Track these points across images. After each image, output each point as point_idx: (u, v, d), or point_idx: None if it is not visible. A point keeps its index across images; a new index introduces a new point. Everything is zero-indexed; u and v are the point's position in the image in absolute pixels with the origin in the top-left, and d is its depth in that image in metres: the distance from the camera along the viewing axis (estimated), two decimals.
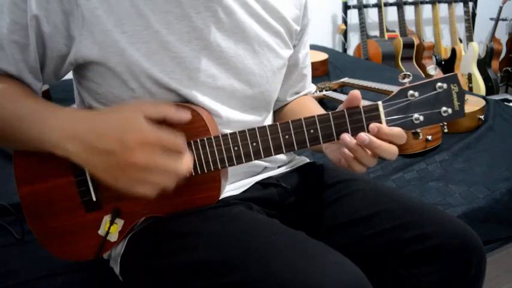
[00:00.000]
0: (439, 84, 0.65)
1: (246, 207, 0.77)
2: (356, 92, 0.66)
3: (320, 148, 0.79)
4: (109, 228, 0.71)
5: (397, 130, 0.66)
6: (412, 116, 0.66)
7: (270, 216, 0.76)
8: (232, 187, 0.83)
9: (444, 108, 0.65)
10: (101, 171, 0.63)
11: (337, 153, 0.74)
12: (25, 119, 0.66)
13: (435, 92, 0.65)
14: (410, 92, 0.65)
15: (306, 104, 0.97)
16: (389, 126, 0.66)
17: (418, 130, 0.68)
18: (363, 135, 0.65)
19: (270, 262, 0.63)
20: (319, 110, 0.92)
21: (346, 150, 0.67)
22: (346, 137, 0.66)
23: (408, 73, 0.67)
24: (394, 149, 0.66)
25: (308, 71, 0.98)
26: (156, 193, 0.63)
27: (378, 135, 0.65)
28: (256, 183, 0.85)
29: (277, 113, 0.99)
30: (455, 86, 0.65)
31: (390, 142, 0.66)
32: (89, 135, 0.62)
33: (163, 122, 0.69)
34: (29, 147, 0.68)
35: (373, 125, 0.65)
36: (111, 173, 0.62)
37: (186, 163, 0.64)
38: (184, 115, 0.66)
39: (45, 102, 0.69)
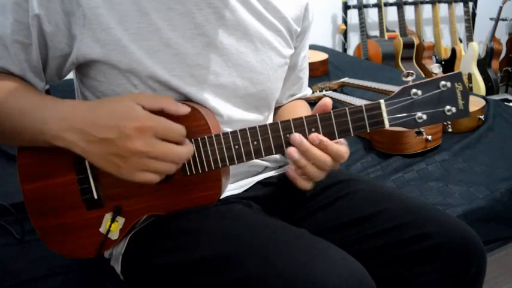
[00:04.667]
0: (442, 82, 0.64)
1: (246, 206, 0.77)
2: (327, 100, 0.66)
3: None
4: (110, 226, 0.71)
5: (337, 148, 0.65)
6: (415, 115, 0.65)
7: (271, 215, 0.76)
8: (234, 186, 0.83)
9: (448, 107, 0.64)
10: (101, 160, 0.63)
11: None
12: (26, 112, 0.66)
13: (439, 90, 0.64)
14: (414, 90, 0.64)
15: (297, 106, 0.96)
16: (391, 125, 0.65)
17: (421, 129, 0.67)
18: (296, 135, 0.65)
19: (272, 259, 0.63)
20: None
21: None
22: (292, 151, 0.65)
23: (411, 71, 0.65)
24: (326, 158, 0.65)
25: (304, 74, 0.98)
26: (158, 180, 0.64)
27: (319, 146, 0.65)
28: (258, 182, 0.85)
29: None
30: (459, 85, 0.64)
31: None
32: (85, 124, 0.62)
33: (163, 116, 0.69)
34: (31, 141, 0.69)
35: (313, 135, 0.65)
36: (112, 162, 0.63)
37: (185, 149, 0.64)
38: (183, 108, 0.66)
39: (45, 96, 0.70)
